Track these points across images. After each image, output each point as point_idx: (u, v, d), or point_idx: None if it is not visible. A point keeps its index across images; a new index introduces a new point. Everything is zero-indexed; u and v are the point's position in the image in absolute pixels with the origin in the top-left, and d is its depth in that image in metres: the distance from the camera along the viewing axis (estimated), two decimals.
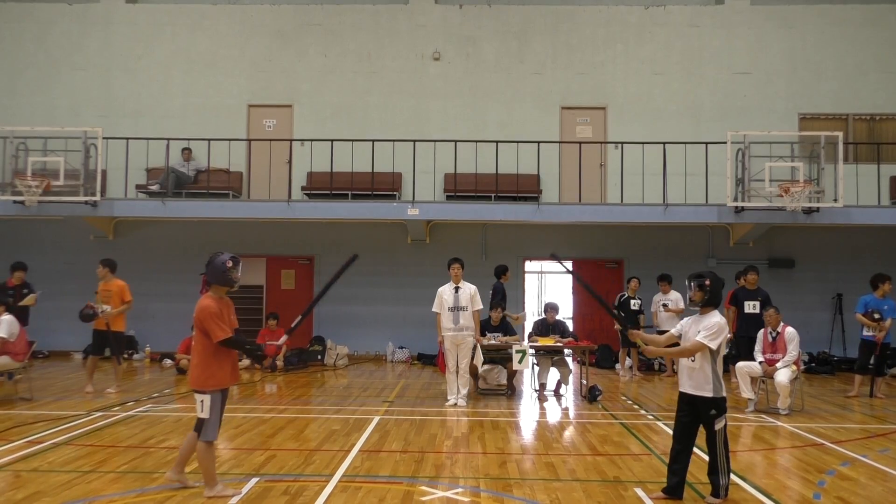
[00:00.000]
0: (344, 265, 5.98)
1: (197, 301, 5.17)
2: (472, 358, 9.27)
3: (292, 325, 5.60)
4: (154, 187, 13.91)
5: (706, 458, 5.27)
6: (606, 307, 6.04)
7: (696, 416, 5.22)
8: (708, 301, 5.26)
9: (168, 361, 12.95)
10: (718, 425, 5.12)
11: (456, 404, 9.01)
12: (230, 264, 5.12)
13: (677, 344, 5.43)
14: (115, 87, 15.44)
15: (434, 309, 9.41)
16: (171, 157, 13.85)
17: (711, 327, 5.14)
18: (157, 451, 6.51)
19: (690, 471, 5.37)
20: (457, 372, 9.16)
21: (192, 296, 14.65)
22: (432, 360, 14.05)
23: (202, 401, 5.08)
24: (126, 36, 15.55)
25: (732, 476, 5.81)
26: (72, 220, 13.83)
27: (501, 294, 11.25)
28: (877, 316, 10.16)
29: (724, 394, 5.20)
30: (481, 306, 9.40)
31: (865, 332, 10.25)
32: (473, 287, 9.37)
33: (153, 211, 13.57)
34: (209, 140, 13.89)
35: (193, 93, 15.40)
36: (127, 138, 13.41)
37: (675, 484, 5.21)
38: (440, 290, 9.41)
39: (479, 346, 9.37)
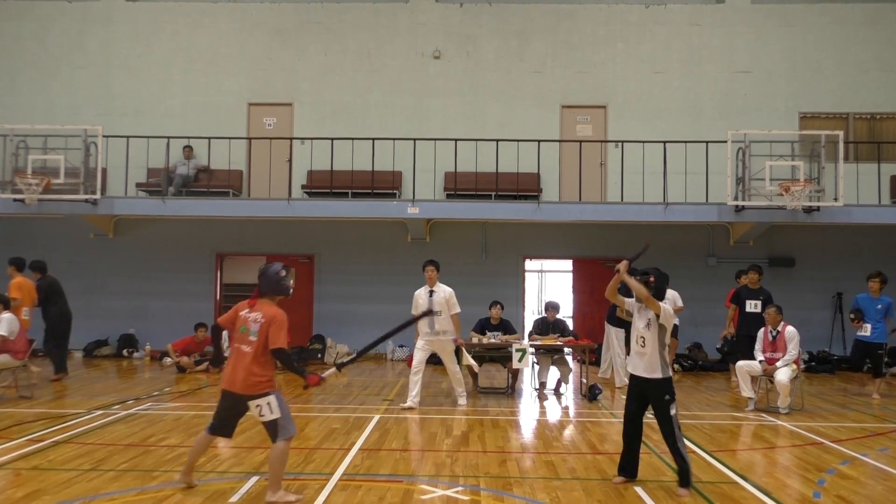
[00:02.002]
0: (418, 316, 6.65)
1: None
2: (460, 361, 9.09)
3: (344, 361, 5.60)
4: (170, 190, 13.84)
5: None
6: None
7: (644, 402, 5.58)
8: (653, 296, 5.57)
9: (167, 360, 12.94)
10: (672, 411, 5.45)
11: (413, 407, 8.69)
12: (283, 273, 5.21)
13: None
14: (116, 86, 15.44)
15: (412, 313, 8.99)
16: (172, 156, 13.85)
17: (665, 311, 5.53)
18: (157, 449, 6.51)
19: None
20: (417, 374, 8.88)
21: (192, 294, 14.83)
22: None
23: (268, 403, 4.94)
24: (126, 34, 15.55)
25: (732, 475, 5.82)
26: (72, 218, 13.83)
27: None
28: (852, 316, 10.20)
29: (671, 374, 5.63)
30: (458, 309, 9.04)
31: (858, 332, 10.28)
32: (449, 290, 9.02)
33: (153, 209, 13.57)
34: (209, 138, 13.88)
35: (194, 91, 15.40)
36: (127, 136, 13.41)
37: (630, 466, 5.62)
38: (416, 293, 9.14)
39: (463, 348, 9.15)
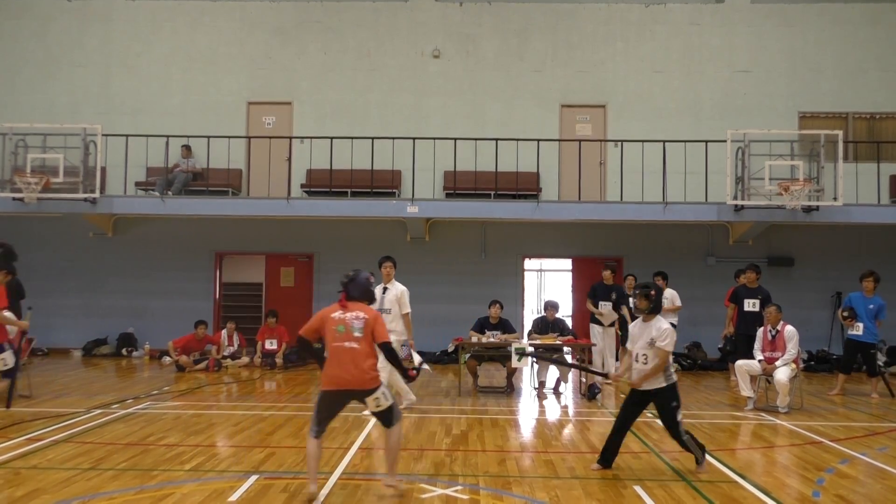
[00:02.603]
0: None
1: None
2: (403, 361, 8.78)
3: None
4: (172, 189, 13.79)
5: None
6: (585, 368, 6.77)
7: (640, 409, 5.93)
8: (652, 309, 5.86)
9: (167, 359, 12.94)
10: (679, 416, 5.76)
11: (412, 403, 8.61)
12: (372, 280, 5.43)
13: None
14: (115, 84, 15.43)
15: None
16: (171, 156, 13.84)
17: (664, 333, 5.76)
18: (156, 448, 6.51)
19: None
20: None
21: (192, 293, 14.83)
22: (431, 358, 14.05)
23: (383, 393, 5.13)
24: (126, 32, 15.53)
25: (732, 474, 5.83)
26: (71, 217, 13.82)
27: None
28: (845, 314, 10.20)
29: (675, 379, 5.91)
30: (409, 309, 8.69)
31: (850, 331, 10.28)
32: (402, 288, 8.69)
33: (152, 208, 13.56)
34: (208, 137, 13.87)
35: (193, 90, 15.39)
36: (126, 135, 13.40)
37: (610, 458, 5.92)
38: None
39: (413, 350, 8.73)
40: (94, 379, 11.22)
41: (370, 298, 5.42)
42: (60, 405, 8.51)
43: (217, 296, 15.20)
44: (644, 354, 5.79)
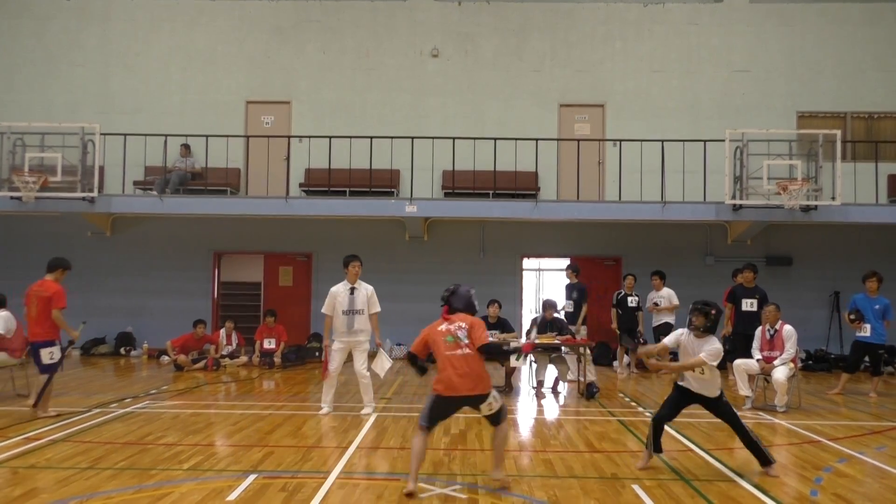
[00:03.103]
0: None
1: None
2: (373, 364, 8.37)
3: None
4: (168, 188, 13.77)
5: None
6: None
7: (685, 405, 6.03)
8: (709, 328, 5.90)
9: (165, 358, 12.94)
10: (724, 399, 5.97)
11: (329, 413, 8.26)
12: (473, 292, 5.75)
13: (674, 356, 6.12)
14: (113, 83, 15.42)
15: (324, 310, 8.41)
16: (170, 155, 13.82)
17: (715, 352, 5.80)
18: (154, 447, 6.51)
19: (654, 466, 5.42)
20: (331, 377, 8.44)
21: (190, 292, 14.82)
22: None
23: (494, 396, 5.38)
24: (124, 32, 15.53)
25: (730, 473, 5.84)
26: (69, 216, 13.80)
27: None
28: (852, 317, 10.17)
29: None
30: (379, 309, 8.53)
31: (858, 333, 10.25)
32: (370, 288, 8.49)
33: (151, 207, 13.55)
34: (207, 136, 13.86)
35: (191, 89, 15.38)
36: (125, 134, 13.40)
37: (657, 444, 6.00)
38: (333, 290, 8.38)
39: (382, 350, 8.53)
40: (92, 378, 11.21)
41: (472, 310, 5.66)
42: (58, 404, 8.50)
43: (215, 295, 15.19)
44: (700, 369, 5.87)
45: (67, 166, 12.62)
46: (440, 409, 5.40)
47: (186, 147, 14.35)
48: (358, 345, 8.41)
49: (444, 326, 5.51)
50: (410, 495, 5.11)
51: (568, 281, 12.37)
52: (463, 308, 5.61)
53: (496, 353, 5.65)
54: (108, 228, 14.90)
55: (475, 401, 5.34)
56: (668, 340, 6.16)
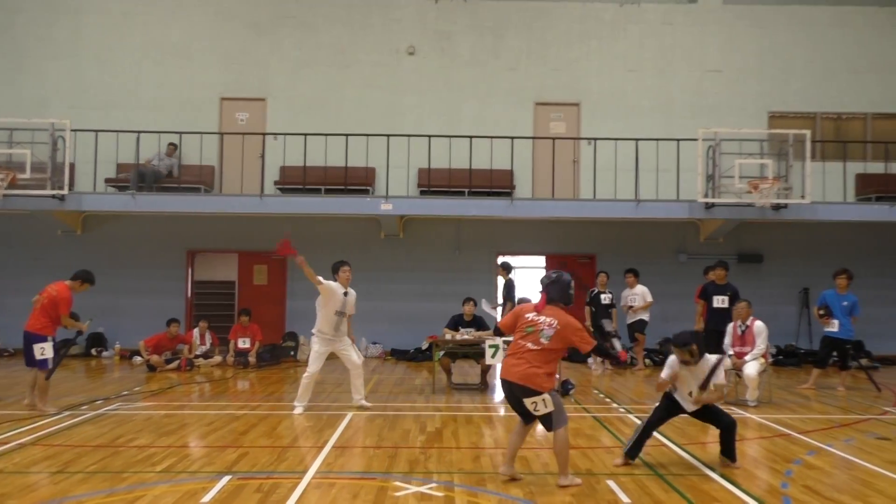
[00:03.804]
0: None
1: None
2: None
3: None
4: (143, 185, 13.60)
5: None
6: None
7: (678, 412, 6.13)
8: (700, 354, 5.96)
9: (137, 359, 12.77)
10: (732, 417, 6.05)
11: (302, 413, 8.19)
12: (574, 283, 5.57)
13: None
14: (85, 78, 15.17)
15: (323, 284, 8.29)
16: (148, 151, 13.65)
17: (724, 375, 6.08)
18: (126, 450, 6.42)
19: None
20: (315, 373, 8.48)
21: (163, 292, 14.65)
22: (405, 356, 14.06)
23: (543, 400, 5.28)
24: (97, 25, 15.28)
25: (703, 467, 5.92)
26: (39, 214, 13.57)
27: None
28: (822, 313, 10.36)
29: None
30: (354, 311, 8.67)
31: (826, 328, 10.45)
32: (354, 293, 8.60)
33: (123, 205, 13.36)
34: (181, 133, 13.73)
35: (165, 85, 15.19)
36: (96, 130, 13.18)
37: (638, 449, 6.02)
38: (332, 284, 8.40)
39: (355, 345, 8.71)
40: (62, 380, 11.01)
41: (568, 301, 5.53)
42: (27, 407, 8.35)
43: (189, 294, 15.04)
44: (691, 392, 5.98)
45: (37, 163, 12.38)
46: (506, 396, 5.52)
47: (174, 146, 14.21)
48: (342, 346, 8.50)
49: (532, 315, 5.42)
50: (509, 476, 5.43)
51: (501, 279, 12.24)
52: (558, 298, 5.47)
53: (603, 351, 5.76)
54: (78, 227, 14.66)
55: (520, 392, 5.29)
56: (665, 375, 6.09)
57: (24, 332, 8.33)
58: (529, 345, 5.33)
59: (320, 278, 8.28)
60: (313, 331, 8.52)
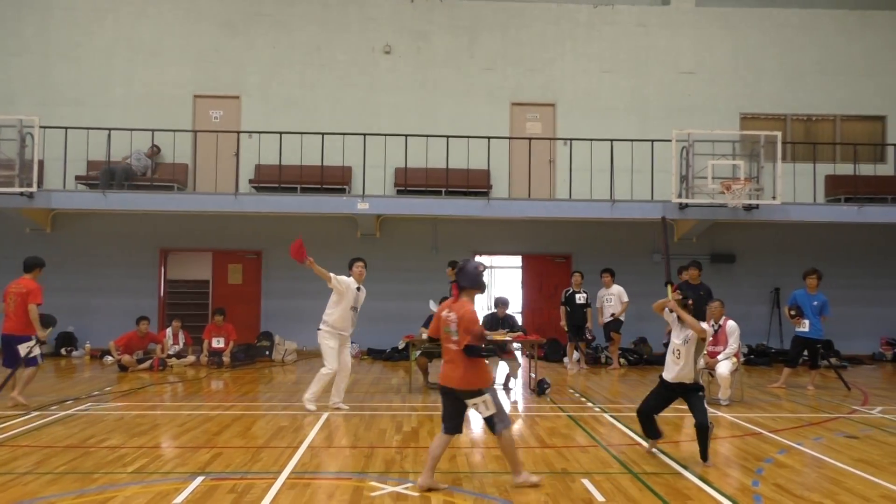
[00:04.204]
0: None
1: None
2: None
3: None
4: (113, 183, 13.36)
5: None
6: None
7: (667, 402, 6.29)
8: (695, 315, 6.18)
9: (109, 358, 12.57)
10: (701, 392, 6.14)
11: (314, 410, 8.31)
12: (482, 268, 5.40)
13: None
14: (54, 75, 14.90)
15: (335, 280, 8.39)
16: (121, 150, 13.44)
17: (708, 327, 6.33)
18: (97, 450, 6.32)
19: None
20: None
21: (135, 291, 14.44)
22: (382, 355, 14.03)
23: (483, 401, 5.16)
24: (65, 21, 15.02)
25: (675, 465, 5.98)
26: (6, 212, 13.31)
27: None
28: (793, 313, 10.52)
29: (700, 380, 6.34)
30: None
31: (797, 328, 10.61)
32: (364, 289, 8.73)
33: (93, 203, 13.14)
34: (153, 131, 13.54)
35: (136, 82, 14.98)
36: (65, 128, 12.96)
37: (655, 432, 6.30)
38: (347, 280, 8.52)
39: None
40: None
41: (479, 286, 5.36)
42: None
43: (162, 293, 14.85)
44: (678, 350, 6.06)
45: (4, 160, 12.17)
46: (443, 402, 5.38)
47: (157, 148, 14.06)
48: (346, 340, 8.62)
49: (444, 313, 5.33)
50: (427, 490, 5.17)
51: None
52: (471, 286, 5.34)
53: (477, 356, 5.23)
54: (48, 225, 14.40)
55: (461, 395, 5.20)
56: (660, 303, 6.34)
57: (2, 336, 8.52)
58: (451, 346, 5.25)
59: (332, 274, 8.40)
60: (322, 326, 8.51)
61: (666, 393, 6.24)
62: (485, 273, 5.47)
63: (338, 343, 8.47)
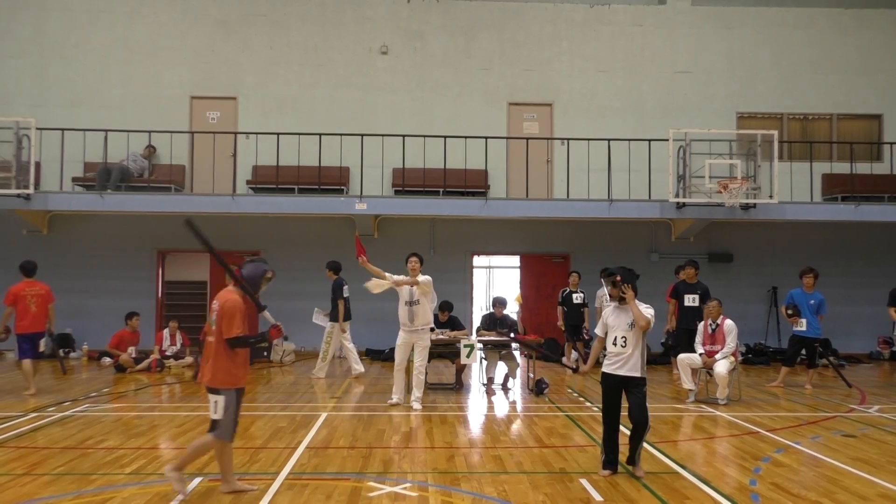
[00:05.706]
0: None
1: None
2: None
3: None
4: (109, 184, 13.35)
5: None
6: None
7: (620, 394, 5.68)
8: (623, 294, 5.73)
9: (106, 359, 12.55)
10: (645, 388, 5.67)
11: (398, 404, 8.68)
12: (270, 275, 5.23)
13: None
14: (50, 76, 14.87)
15: (388, 277, 8.75)
16: (119, 151, 13.41)
17: (651, 313, 5.73)
18: (94, 452, 6.31)
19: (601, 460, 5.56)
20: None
21: (133, 292, 14.42)
22: (380, 356, 14.02)
23: (216, 401, 4.93)
24: (61, 22, 14.99)
25: (673, 465, 5.98)
26: (3, 214, 13.29)
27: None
28: (790, 312, 10.53)
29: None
30: (436, 300, 9.24)
31: (795, 327, 10.61)
32: (428, 278, 8.81)
33: (90, 205, 13.11)
34: (150, 132, 13.53)
35: (133, 83, 14.95)
36: (62, 129, 12.93)
37: (615, 458, 5.72)
38: (399, 278, 8.86)
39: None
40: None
41: (256, 287, 5.14)
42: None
43: (159, 295, 14.82)
44: (623, 337, 5.61)
45: (1, 162, 12.14)
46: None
47: (153, 148, 14.02)
48: (420, 340, 8.74)
49: (215, 304, 5.00)
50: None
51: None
52: (251, 282, 5.09)
53: (245, 346, 4.97)
54: (44, 226, 14.37)
55: (209, 391, 4.90)
56: (598, 330, 5.89)
57: (28, 335, 9.26)
58: (210, 338, 4.96)
59: (387, 274, 8.74)
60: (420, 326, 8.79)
61: (612, 394, 5.67)
62: (269, 281, 5.22)
63: (405, 341, 8.77)
